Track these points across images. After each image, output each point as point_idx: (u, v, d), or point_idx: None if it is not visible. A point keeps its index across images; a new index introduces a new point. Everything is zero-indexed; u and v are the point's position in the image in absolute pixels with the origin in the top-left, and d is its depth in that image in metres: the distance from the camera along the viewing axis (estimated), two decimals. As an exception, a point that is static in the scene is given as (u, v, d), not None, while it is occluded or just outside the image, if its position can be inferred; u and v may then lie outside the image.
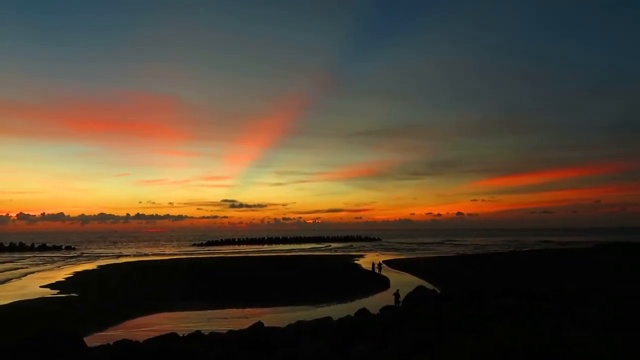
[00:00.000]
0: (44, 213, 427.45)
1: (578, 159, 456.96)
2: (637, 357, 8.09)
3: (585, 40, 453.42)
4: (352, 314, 23.70)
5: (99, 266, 71.96)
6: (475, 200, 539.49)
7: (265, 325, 21.26)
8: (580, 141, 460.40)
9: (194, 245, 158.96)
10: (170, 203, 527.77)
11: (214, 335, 18.90)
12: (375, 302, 32.64)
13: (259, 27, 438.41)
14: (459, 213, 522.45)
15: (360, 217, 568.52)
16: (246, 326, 21.34)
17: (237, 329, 21.33)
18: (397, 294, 32.38)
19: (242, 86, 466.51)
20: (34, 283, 50.47)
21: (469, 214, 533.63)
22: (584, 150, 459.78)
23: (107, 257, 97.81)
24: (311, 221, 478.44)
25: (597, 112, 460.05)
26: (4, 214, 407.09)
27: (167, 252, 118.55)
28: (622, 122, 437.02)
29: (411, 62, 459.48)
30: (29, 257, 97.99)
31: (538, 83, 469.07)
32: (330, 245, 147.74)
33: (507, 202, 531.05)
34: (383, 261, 68.66)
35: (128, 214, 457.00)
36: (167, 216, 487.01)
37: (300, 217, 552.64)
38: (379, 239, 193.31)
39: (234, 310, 33.35)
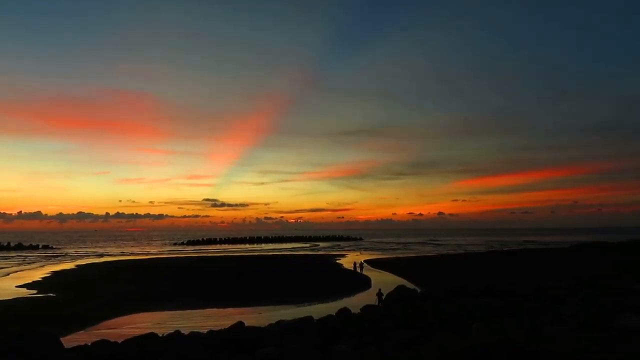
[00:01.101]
0: (20, 212, 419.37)
1: (557, 160, 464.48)
2: (614, 354, 8.23)
3: (565, 42, 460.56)
4: (334, 314, 23.71)
5: (77, 266, 70.90)
6: (457, 200, 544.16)
7: (246, 325, 21.15)
8: (559, 143, 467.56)
9: (175, 244, 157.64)
10: (150, 202, 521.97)
11: (194, 335, 18.73)
12: (356, 302, 32.74)
13: (241, 27, 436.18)
14: (440, 213, 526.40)
15: (342, 217, 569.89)
16: (227, 326, 21.21)
17: (217, 328, 21.19)
18: (379, 294, 32.50)
19: (224, 85, 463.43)
20: (10, 283, 49.52)
21: (450, 214, 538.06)
22: (562, 151, 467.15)
23: (85, 256, 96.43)
24: (293, 221, 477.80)
25: (576, 114, 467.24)
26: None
27: (147, 251, 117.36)
28: (600, 124, 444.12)
29: (392, 63, 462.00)
30: (5, 256, 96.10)
31: (518, 85, 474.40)
32: (312, 245, 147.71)
33: (487, 203, 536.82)
34: (365, 261, 68.81)
35: (107, 213, 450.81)
36: (148, 215, 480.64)
37: (282, 217, 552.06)
38: (360, 239, 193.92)
39: (215, 310, 33.16)
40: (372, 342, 14.42)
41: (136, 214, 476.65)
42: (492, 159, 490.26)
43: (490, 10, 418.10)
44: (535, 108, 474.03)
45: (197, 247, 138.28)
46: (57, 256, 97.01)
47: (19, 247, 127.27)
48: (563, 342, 8.75)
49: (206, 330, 20.69)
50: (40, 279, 51.64)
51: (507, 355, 7.69)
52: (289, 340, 15.96)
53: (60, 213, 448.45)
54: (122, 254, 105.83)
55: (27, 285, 46.23)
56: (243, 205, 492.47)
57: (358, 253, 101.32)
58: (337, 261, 77.01)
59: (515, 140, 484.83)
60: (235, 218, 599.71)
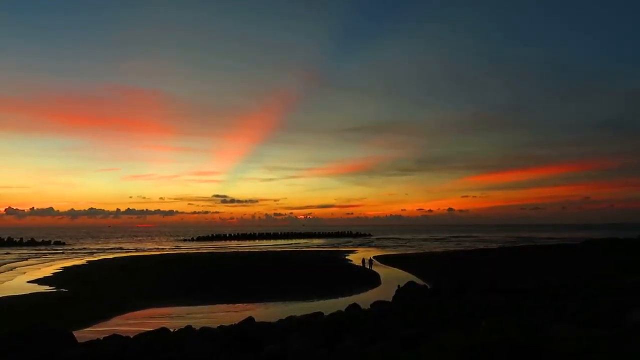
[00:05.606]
0: (33, 208, 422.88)
1: (567, 156, 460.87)
2: (620, 352, 8.26)
3: (575, 38, 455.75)
4: (343, 310, 23.79)
5: (88, 262, 71.68)
6: (467, 196, 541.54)
7: (256, 320, 21.32)
8: (570, 138, 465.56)
9: (185, 240, 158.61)
10: (161, 198, 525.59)
11: (205, 331, 18.93)
12: (366, 298, 32.88)
13: (249, 24, 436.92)
14: (450, 209, 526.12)
15: (352, 213, 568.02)
16: (237, 322, 21.41)
17: (228, 324, 21.39)
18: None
19: (231, 83, 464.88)
20: (22, 279, 50.18)
21: (460, 210, 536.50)
22: (573, 147, 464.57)
23: (97, 252, 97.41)
24: (302, 217, 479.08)
25: (586, 110, 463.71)
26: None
27: (158, 247, 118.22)
28: (612, 120, 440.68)
29: (401, 60, 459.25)
30: (18, 252, 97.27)
31: (527, 81, 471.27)
32: (321, 241, 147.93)
33: (497, 199, 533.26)
34: (374, 257, 68.91)
35: (118, 209, 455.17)
36: (158, 211, 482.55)
37: (291, 213, 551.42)
38: (370, 235, 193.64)
39: (225, 305, 33.42)
40: (377, 339, 14.52)
41: (147, 210, 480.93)
42: (502, 155, 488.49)
43: (500, 6, 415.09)
44: (546, 104, 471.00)
45: (206, 243, 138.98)
46: (69, 252, 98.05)
47: (32, 243, 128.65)
48: (566, 341, 8.81)
49: (217, 326, 20.88)
50: (51, 275, 52.30)
51: (508, 353, 7.77)
52: (296, 336, 16.09)
53: (72, 209, 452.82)
54: (134, 250, 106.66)
55: (39, 281, 46.83)
56: (252, 201, 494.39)
57: (368, 249, 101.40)
58: (347, 257, 77.13)
59: (525, 136, 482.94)
60: (244, 214, 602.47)
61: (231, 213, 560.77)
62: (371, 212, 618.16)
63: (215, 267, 58.86)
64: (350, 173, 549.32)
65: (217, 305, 33.34)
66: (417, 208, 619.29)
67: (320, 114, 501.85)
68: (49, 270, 58.51)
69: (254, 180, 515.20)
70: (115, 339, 16.91)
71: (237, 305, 33.50)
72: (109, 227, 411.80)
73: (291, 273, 51.14)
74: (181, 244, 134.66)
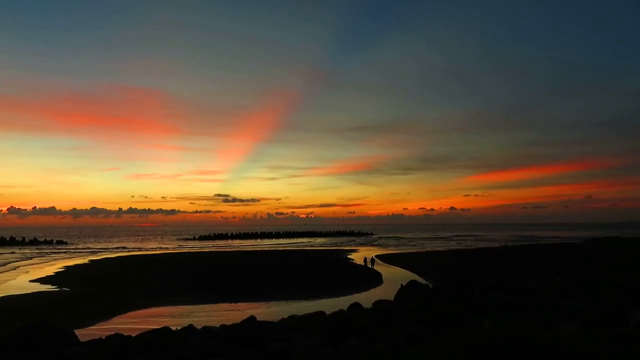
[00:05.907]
0: (35, 207, 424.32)
1: (569, 155, 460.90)
2: (623, 350, 8.21)
3: (578, 36, 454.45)
4: (345, 309, 23.74)
5: (90, 261, 71.71)
6: (468, 195, 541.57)
7: (257, 319, 21.26)
8: (572, 137, 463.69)
9: (187, 239, 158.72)
10: (163, 197, 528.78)
11: (206, 330, 18.88)
12: (368, 297, 32.79)
13: (251, 24, 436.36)
14: (452, 208, 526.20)
15: (354, 212, 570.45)
16: (239, 321, 21.36)
17: (229, 323, 21.33)
18: None
19: (233, 81, 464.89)
20: (24, 278, 50.21)
21: (462, 209, 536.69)
22: (575, 146, 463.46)
23: (99, 251, 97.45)
24: (304, 216, 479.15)
25: (589, 109, 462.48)
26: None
27: (160, 246, 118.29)
28: (613, 119, 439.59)
29: (403, 59, 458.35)
30: (20, 251, 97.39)
31: (530, 79, 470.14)
32: (323, 240, 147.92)
33: (499, 197, 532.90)
34: (376, 256, 68.80)
35: (120, 208, 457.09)
36: (160, 210, 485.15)
37: (293, 212, 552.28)
38: (371, 234, 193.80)
39: (226, 304, 33.37)
40: (382, 337, 14.47)
41: (149, 209, 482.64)
42: (504, 153, 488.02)
43: (502, 4, 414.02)
44: (548, 103, 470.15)
45: (208, 242, 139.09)
46: (71, 251, 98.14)
47: (34, 242, 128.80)
48: (572, 338, 8.75)
49: (218, 325, 20.83)
50: (53, 274, 52.32)
51: (514, 350, 7.71)
52: (299, 335, 16.05)
53: (74, 208, 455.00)
54: (136, 249, 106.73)
55: (41, 280, 46.85)
56: (254, 200, 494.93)
57: (369, 248, 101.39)
58: (349, 256, 77.11)
59: (527, 135, 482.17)
60: (246, 213, 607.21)
61: (233, 212, 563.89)
62: (373, 211, 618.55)
63: (216, 266, 58.84)
64: (352, 172, 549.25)
65: (219, 304, 33.28)
66: (419, 207, 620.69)
67: (322, 113, 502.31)
68: (51, 269, 58.53)
69: (255, 179, 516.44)
70: (117, 338, 16.87)
71: (238, 304, 33.44)
72: (111, 226, 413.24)
73: (292, 272, 51.11)
74: (183, 243, 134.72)
